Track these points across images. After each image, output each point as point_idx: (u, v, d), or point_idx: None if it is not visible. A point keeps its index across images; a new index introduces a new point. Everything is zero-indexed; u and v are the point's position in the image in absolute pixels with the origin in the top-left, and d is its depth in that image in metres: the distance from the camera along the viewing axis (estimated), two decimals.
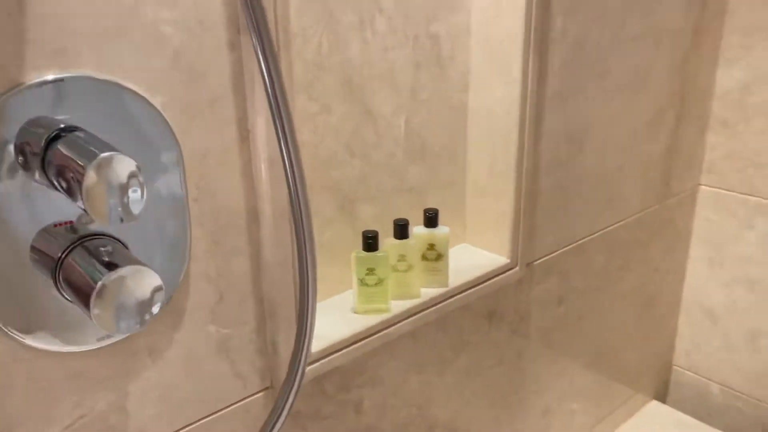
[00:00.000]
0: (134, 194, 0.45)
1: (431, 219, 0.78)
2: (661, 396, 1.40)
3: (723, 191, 1.22)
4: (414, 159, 0.81)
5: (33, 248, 0.50)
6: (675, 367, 1.39)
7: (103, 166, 0.43)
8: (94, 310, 0.46)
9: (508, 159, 0.85)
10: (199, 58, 0.54)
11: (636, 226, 1.12)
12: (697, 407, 1.36)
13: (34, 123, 0.47)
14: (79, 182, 0.43)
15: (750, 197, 1.18)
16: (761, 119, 1.14)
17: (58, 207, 0.49)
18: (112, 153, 0.44)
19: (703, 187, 1.24)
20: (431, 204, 0.85)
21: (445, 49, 0.81)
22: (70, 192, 0.45)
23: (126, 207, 0.45)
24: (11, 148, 0.47)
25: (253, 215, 0.61)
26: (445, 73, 0.82)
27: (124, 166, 0.44)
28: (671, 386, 1.40)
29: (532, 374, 1.03)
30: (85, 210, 0.45)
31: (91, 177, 0.43)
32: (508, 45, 0.81)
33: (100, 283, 0.46)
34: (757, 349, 1.25)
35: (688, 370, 1.37)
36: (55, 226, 0.50)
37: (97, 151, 0.44)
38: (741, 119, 1.16)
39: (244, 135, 0.58)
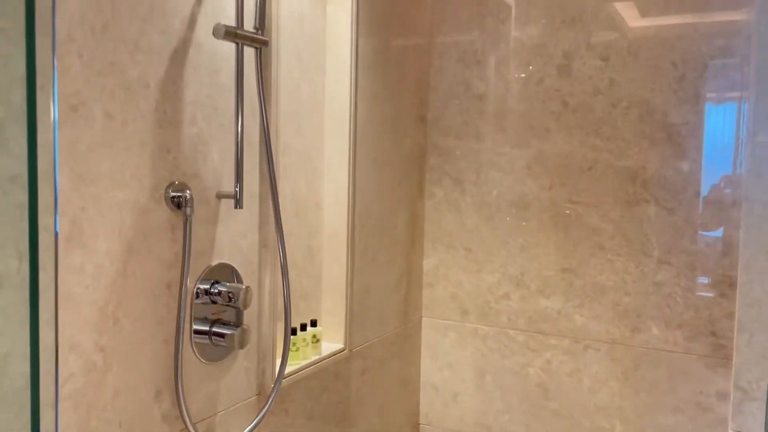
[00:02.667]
0: (252, 297, 1.40)
1: (314, 323, 1.78)
2: None
3: (433, 319, 2.39)
4: (302, 298, 1.82)
5: (194, 330, 1.39)
6: (421, 424, 2.44)
7: (248, 290, 1.38)
8: (236, 340, 1.36)
9: (340, 305, 1.89)
10: (250, 256, 1.51)
11: (395, 337, 2.21)
12: None
13: (200, 282, 1.40)
14: (237, 296, 1.37)
15: (445, 321, 2.37)
16: (443, 282, 2.36)
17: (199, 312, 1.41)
18: (246, 285, 1.38)
19: (424, 318, 2.41)
20: (312, 315, 1.84)
21: (312, 245, 1.87)
22: (230, 300, 1.37)
23: (251, 301, 1.39)
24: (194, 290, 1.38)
25: (259, 322, 1.55)
26: (314, 260, 1.87)
27: (249, 289, 1.39)
28: None
29: (356, 409, 1.99)
30: (234, 307, 1.37)
31: (243, 293, 1.37)
32: (340, 236, 1.89)
33: (238, 329, 1.37)
34: (457, 403, 2.37)
35: (427, 425, 2.43)
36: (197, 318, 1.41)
37: (239, 285, 1.38)
38: (435, 282, 2.38)
39: (260, 282, 1.55)
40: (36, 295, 0.93)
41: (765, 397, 1.37)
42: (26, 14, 0.93)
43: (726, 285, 1.94)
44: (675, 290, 2.02)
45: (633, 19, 2.06)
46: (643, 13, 2.05)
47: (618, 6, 2.07)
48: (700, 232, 1.98)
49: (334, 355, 1.85)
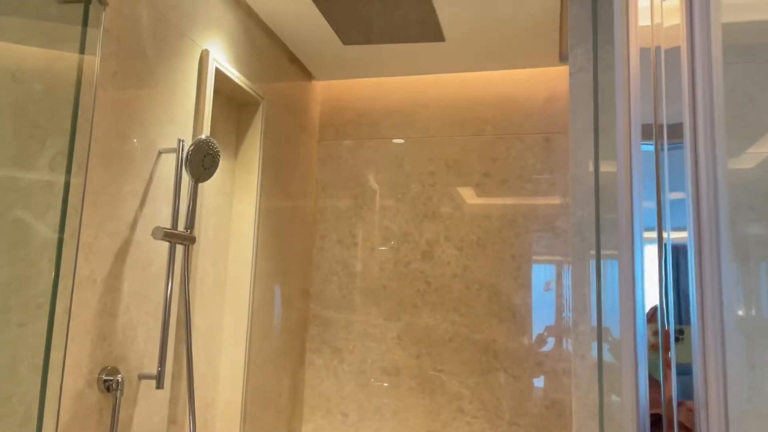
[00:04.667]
0: None
1: None
2: None
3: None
4: None
5: None
6: None
7: None
8: None
9: None
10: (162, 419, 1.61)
11: None
12: None
13: None
14: None
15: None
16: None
17: None
18: None
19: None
20: None
21: (207, 417, 1.97)
22: None
23: None
24: None
25: None
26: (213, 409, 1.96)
27: None
28: None
29: None
30: None
31: None
32: (234, 407, 2.01)
33: None
34: None
35: None
36: None
37: None
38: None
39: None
40: None
41: None
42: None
43: None
44: None
45: (470, 198, 2.56)
46: (479, 195, 2.56)
47: (460, 190, 2.57)
48: (540, 397, 2.37)
49: None
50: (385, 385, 2.49)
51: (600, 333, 1.84)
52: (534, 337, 2.40)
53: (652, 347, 0.87)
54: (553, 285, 2.44)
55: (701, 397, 0.80)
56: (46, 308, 1.20)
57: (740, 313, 1.68)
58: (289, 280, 2.41)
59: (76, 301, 1.31)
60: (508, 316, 2.44)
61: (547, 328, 2.40)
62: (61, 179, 1.21)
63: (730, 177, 1.74)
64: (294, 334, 2.47)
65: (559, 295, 2.43)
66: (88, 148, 1.32)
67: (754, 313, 1.66)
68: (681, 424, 0.85)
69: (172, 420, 1.66)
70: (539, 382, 2.38)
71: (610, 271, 1.93)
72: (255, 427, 2.14)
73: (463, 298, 2.49)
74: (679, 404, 0.87)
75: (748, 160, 1.80)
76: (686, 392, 0.89)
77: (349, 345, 2.56)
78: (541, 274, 2.45)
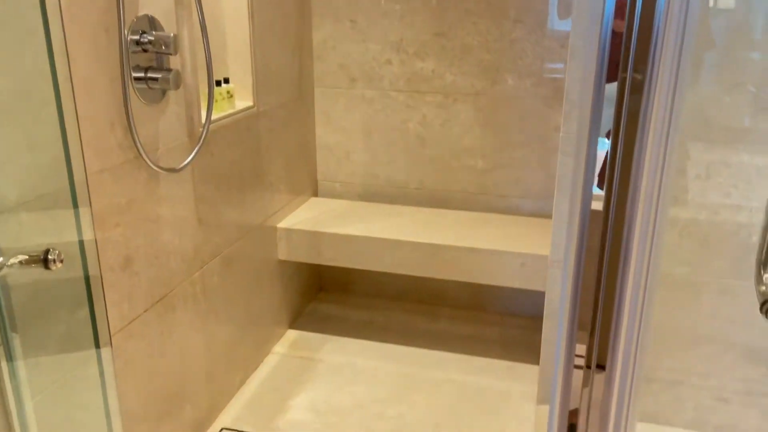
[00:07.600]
0: (179, 44, 1.60)
1: (227, 80, 2.01)
2: (315, 193, 2.84)
3: (324, 88, 2.69)
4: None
5: (132, 76, 1.58)
6: (318, 180, 2.84)
7: (176, 37, 1.57)
8: (171, 81, 1.59)
9: (246, 68, 2.12)
10: (168, 10, 1.68)
11: (292, 104, 2.50)
12: (331, 195, 2.84)
13: (129, 33, 1.57)
14: (168, 42, 1.56)
15: (335, 89, 2.67)
16: (332, 54, 2.63)
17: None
18: (174, 33, 1.58)
19: (316, 88, 2.70)
20: (221, 75, 2.06)
21: (214, 13, 2.03)
22: (162, 47, 1.57)
23: (178, 48, 1.60)
24: None
25: (183, 73, 1.76)
26: (218, 28, 2.04)
27: (177, 36, 1.59)
28: (319, 188, 2.85)
29: (266, 163, 2.31)
30: (165, 53, 1.57)
31: (173, 39, 1.57)
32: (241, 6, 2.07)
33: (172, 72, 1.59)
34: (349, 160, 2.76)
35: (324, 180, 2.83)
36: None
37: (168, 33, 1.57)
38: (324, 54, 2.64)
39: (179, 35, 1.73)
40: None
41: (581, 104, 1.84)
42: None
43: (565, 37, 2.37)
44: (526, 45, 2.43)
45: None
46: None
47: None
48: None
49: (246, 110, 2.12)
50: None
51: None
52: None
53: None
54: None
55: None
56: None
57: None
58: None
59: None
60: None
61: None
62: None
63: None
64: None
65: None
66: None
67: None
68: None
69: (178, 2, 1.71)
70: None
71: None
72: (264, 30, 2.21)
73: None
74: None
75: None
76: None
77: None
78: None
